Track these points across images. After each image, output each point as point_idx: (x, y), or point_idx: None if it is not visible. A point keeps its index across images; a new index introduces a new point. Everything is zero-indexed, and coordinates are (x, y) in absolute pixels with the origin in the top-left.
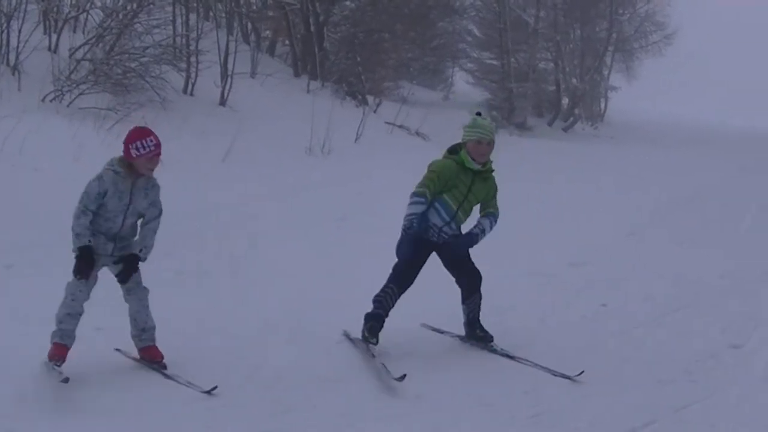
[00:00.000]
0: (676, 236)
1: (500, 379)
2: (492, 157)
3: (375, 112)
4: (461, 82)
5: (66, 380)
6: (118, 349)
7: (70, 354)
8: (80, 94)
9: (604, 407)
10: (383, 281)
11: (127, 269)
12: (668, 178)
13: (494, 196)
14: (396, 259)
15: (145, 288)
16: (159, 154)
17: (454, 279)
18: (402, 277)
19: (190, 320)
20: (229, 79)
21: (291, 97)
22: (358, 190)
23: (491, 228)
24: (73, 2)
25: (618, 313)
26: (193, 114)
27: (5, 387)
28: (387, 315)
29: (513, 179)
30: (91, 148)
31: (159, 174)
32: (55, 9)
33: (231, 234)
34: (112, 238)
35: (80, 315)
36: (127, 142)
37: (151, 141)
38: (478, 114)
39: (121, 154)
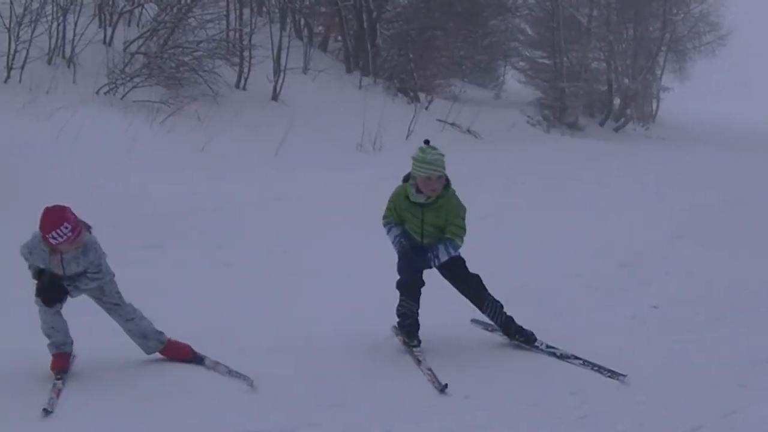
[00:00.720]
0: (726, 240)
1: (547, 379)
2: (546, 155)
3: (426, 109)
4: (513, 80)
5: (46, 412)
6: None
7: (105, 349)
8: (134, 87)
9: (651, 410)
10: (430, 275)
11: (48, 288)
12: (720, 180)
13: (454, 221)
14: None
15: (126, 305)
16: (78, 234)
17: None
18: (406, 290)
19: (238, 312)
20: (281, 74)
21: (343, 92)
22: None
23: (448, 254)
24: None
25: (667, 316)
26: (246, 108)
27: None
28: (417, 316)
29: (562, 179)
30: (144, 140)
31: (208, 164)
32: (110, 3)
33: (281, 228)
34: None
35: (64, 323)
36: (43, 230)
37: (66, 227)
38: (426, 143)
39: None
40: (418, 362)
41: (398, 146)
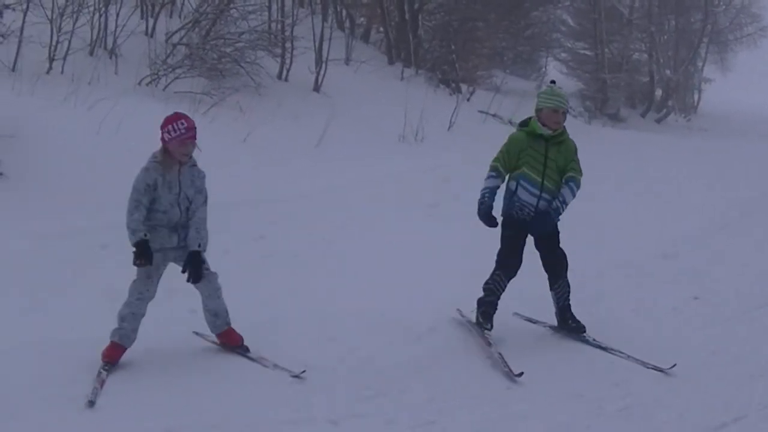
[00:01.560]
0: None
1: (590, 370)
2: (586, 146)
3: (468, 100)
4: (555, 71)
5: (91, 404)
6: (196, 333)
7: (151, 339)
8: (176, 78)
9: (693, 401)
10: (474, 268)
11: (195, 269)
12: (761, 172)
13: (573, 158)
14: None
15: (213, 273)
16: (192, 137)
17: (541, 262)
18: (507, 262)
19: (280, 304)
20: (323, 66)
21: (384, 84)
22: (449, 178)
23: (573, 194)
24: None
25: (709, 306)
26: (288, 99)
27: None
28: (499, 299)
29: (605, 169)
30: None
31: (254, 152)
32: None
33: (323, 218)
34: (174, 229)
35: (143, 316)
36: (161, 129)
37: (182, 124)
38: (553, 82)
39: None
40: (489, 345)
41: (440, 137)
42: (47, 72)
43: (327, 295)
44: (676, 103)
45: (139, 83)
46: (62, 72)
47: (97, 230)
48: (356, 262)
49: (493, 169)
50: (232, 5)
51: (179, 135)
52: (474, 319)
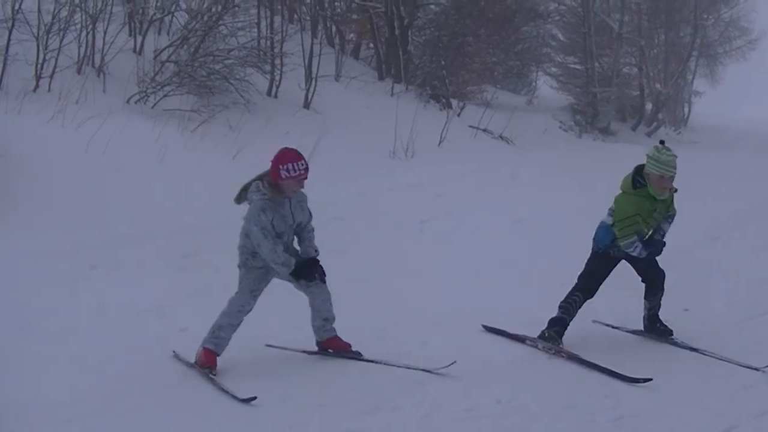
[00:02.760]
0: (758, 242)
1: (582, 382)
2: (582, 160)
3: (459, 115)
4: (545, 86)
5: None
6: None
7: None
8: (164, 95)
9: (684, 412)
10: (466, 284)
11: (319, 271)
12: (751, 184)
13: (672, 202)
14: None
15: (324, 281)
16: (306, 177)
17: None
18: (589, 287)
19: (267, 321)
20: (313, 82)
21: (375, 100)
22: (440, 193)
23: (669, 226)
24: (158, 4)
25: (700, 318)
26: (277, 116)
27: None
28: (570, 321)
29: (593, 184)
30: (175, 149)
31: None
32: (140, 11)
33: (316, 236)
34: (284, 249)
35: (239, 326)
36: (277, 162)
37: (302, 165)
38: (662, 143)
39: (268, 175)
40: (582, 361)
41: (431, 153)
42: (34, 90)
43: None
44: (666, 116)
45: (128, 101)
46: (49, 90)
47: (86, 249)
48: (349, 279)
49: (637, 239)
50: (221, 22)
51: (298, 175)
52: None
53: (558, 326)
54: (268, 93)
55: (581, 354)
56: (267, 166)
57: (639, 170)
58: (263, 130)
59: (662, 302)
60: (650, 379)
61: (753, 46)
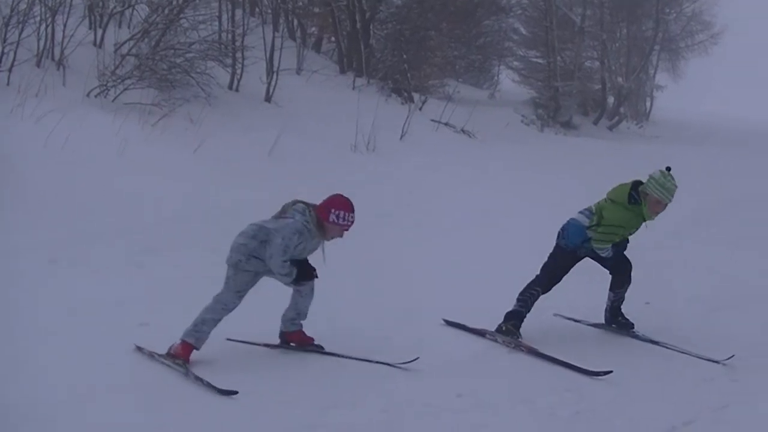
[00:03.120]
0: (721, 237)
1: (542, 377)
2: (539, 154)
3: (420, 109)
4: (507, 80)
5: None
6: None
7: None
8: (125, 89)
9: (644, 405)
10: (427, 276)
11: (313, 269)
12: (713, 180)
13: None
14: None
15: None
16: (348, 230)
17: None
18: (549, 283)
19: (227, 319)
20: (274, 76)
21: (336, 93)
22: (402, 186)
23: None
24: None
25: (661, 312)
26: (239, 110)
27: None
28: (528, 312)
29: (559, 177)
30: (136, 143)
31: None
32: (100, 4)
33: None
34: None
35: (219, 322)
36: (330, 206)
37: (352, 217)
38: (668, 169)
39: (317, 208)
40: (533, 351)
41: (392, 147)
42: None
43: (277, 307)
44: (628, 110)
45: (88, 95)
46: (8, 84)
47: (46, 245)
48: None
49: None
50: (182, 15)
51: (345, 225)
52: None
53: (515, 319)
54: (230, 86)
55: (542, 348)
56: (228, 160)
57: (636, 186)
58: (224, 124)
59: (625, 296)
60: (610, 372)
61: (715, 41)
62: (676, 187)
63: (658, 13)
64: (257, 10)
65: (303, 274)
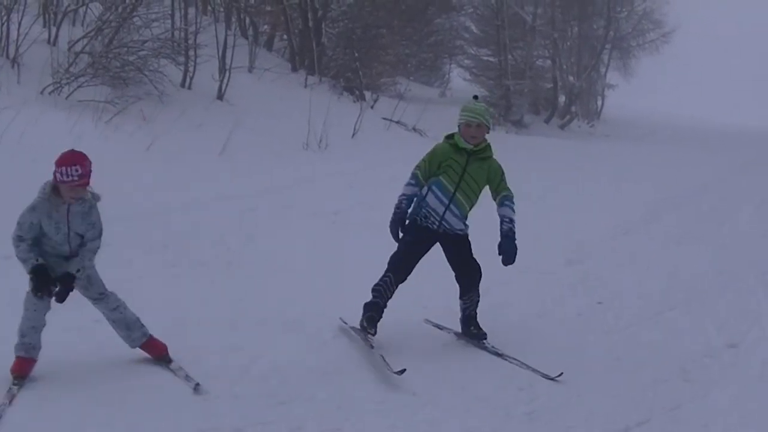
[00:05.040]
0: (671, 234)
1: (496, 375)
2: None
3: (372, 107)
4: (458, 78)
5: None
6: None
7: (58, 350)
8: (79, 86)
9: (598, 405)
10: (377, 274)
11: (64, 290)
12: (664, 176)
13: (502, 179)
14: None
15: (111, 294)
16: (84, 184)
17: (454, 274)
18: (398, 266)
19: (185, 313)
20: (227, 74)
21: (288, 91)
22: (353, 185)
23: (514, 212)
24: None
25: (613, 311)
26: (191, 107)
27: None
28: (386, 305)
29: (508, 177)
30: (90, 140)
31: (158, 163)
32: (54, 2)
33: (226, 227)
34: (66, 260)
35: (44, 326)
36: (55, 166)
37: (76, 171)
38: (475, 97)
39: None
40: (371, 347)
41: (344, 145)
42: None
43: (233, 304)
44: (579, 109)
45: (42, 92)
46: None
47: (1, 242)
48: (262, 270)
49: (413, 176)
50: (135, 14)
51: (71, 181)
52: (358, 325)
53: (372, 311)
54: (182, 84)
55: (504, 347)
56: (180, 158)
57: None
58: (177, 122)
59: (575, 294)
60: (561, 374)
61: (666, 40)
62: (482, 107)
63: (610, 11)
64: (209, 8)
65: (43, 282)
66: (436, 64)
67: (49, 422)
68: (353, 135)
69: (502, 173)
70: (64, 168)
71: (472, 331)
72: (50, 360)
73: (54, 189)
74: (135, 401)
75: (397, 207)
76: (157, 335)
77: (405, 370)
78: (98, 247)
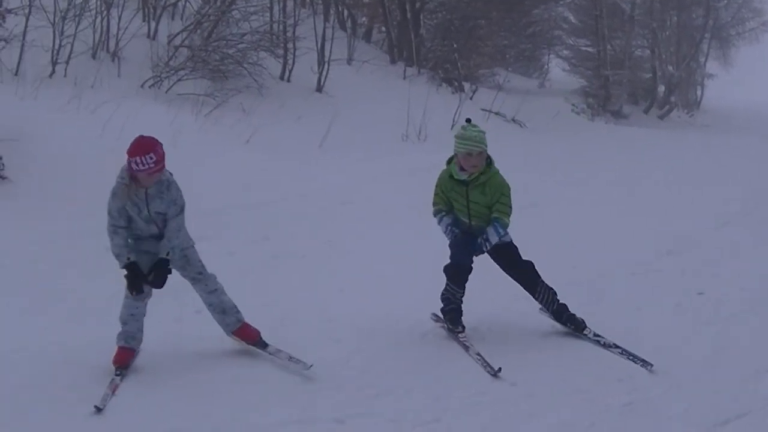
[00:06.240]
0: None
1: (595, 366)
2: (594, 144)
3: (471, 98)
4: (557, 69)
5: (97, 410)
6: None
7: (158, 341)
8: (178, 80)
9: (697, 397)
10: (479, 262)
11: (159, 276)
12: (764, 168)
13: (500, 200)
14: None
15: (210, 275)
16: (161, 169)
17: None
18: (455, 278)
19: (285, 305)
20: (325, 66)
21: (387, 83)
22: None
23: (498, 235)
24: None
25: (714, 302)
26: (290, 100)
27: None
28: (461, 301)
29: (608, 169)
30: (189, 133)
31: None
32: None
33: (328, 219)
34: (157, 240)
35: (144, 315)
36: (128, 154)
37: (151, 158)
38: (468, 121)
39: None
40: (466, 348)
41: (443, 136)
42: (50, 76)
43: (332, 296)
44: (678, 99)
45: (142, 86)
46: (65, 75)
47: (102, 233)
48: (362, 262)
49: (438, 211)
50: (233, 6)
51: (147, 169)
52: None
53: (451, 313)
54: (281, 77)
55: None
56: (279, 150)
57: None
58: (276, 114)
59: (674, 284)
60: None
61: (766, 28)
62: (479, 134)
63: (709, 0)
64: (308, 1)
65: (135, 281)
66: (534, 54)
67: (152, 412)
68: (452, 126)
69: (502, 193)
70: (138, 158)
71: (568, 326)
72: (152, 350)
73: (132, 176)
74: (238, 392)
75: (453, 235)
76: (256, 326)
77: (501, 369)
78: (182, 223)
